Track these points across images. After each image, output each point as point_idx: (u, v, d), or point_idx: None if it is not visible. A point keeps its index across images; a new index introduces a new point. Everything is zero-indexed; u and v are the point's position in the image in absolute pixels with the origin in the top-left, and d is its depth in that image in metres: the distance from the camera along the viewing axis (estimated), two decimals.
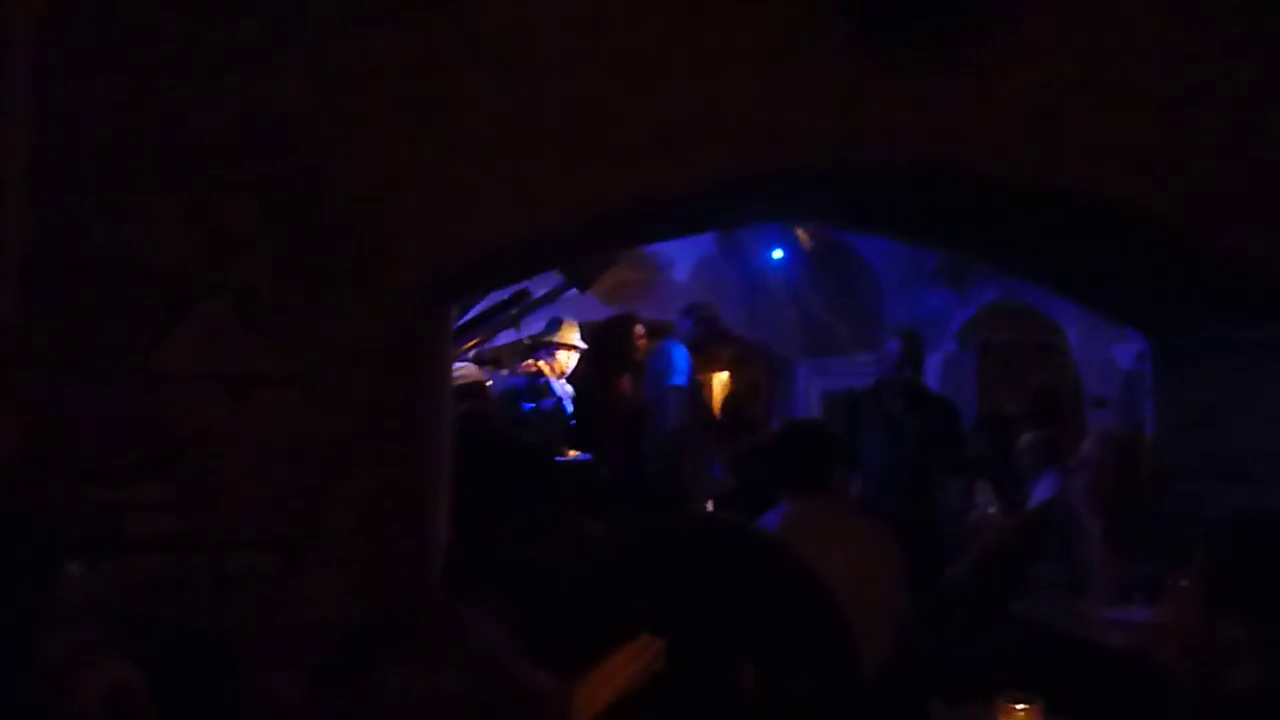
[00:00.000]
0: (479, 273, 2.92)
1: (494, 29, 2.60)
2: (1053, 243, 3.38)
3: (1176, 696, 2.05)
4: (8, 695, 1.62)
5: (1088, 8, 2.78)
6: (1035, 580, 3.53)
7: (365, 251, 2.55)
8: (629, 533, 2.60)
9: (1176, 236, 2.94)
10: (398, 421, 2.59)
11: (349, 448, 2.52)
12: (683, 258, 7.36)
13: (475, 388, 5.01)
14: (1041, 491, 4.45)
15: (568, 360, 5.45)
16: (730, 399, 7.72)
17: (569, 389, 5.43)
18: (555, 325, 5.51)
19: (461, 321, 4.93)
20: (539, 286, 5.62)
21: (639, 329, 5.57)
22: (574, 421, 5.30)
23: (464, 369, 5.05)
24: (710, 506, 5.01)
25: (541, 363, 5.40)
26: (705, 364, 6.66)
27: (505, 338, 6.24)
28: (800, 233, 6.86)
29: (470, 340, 5.56)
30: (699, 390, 5.90)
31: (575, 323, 5.59)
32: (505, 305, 5.38)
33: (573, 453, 5.00)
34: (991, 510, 4.64)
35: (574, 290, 5.88)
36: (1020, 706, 1.99)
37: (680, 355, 5.50)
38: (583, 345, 5.51)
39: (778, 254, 7.31)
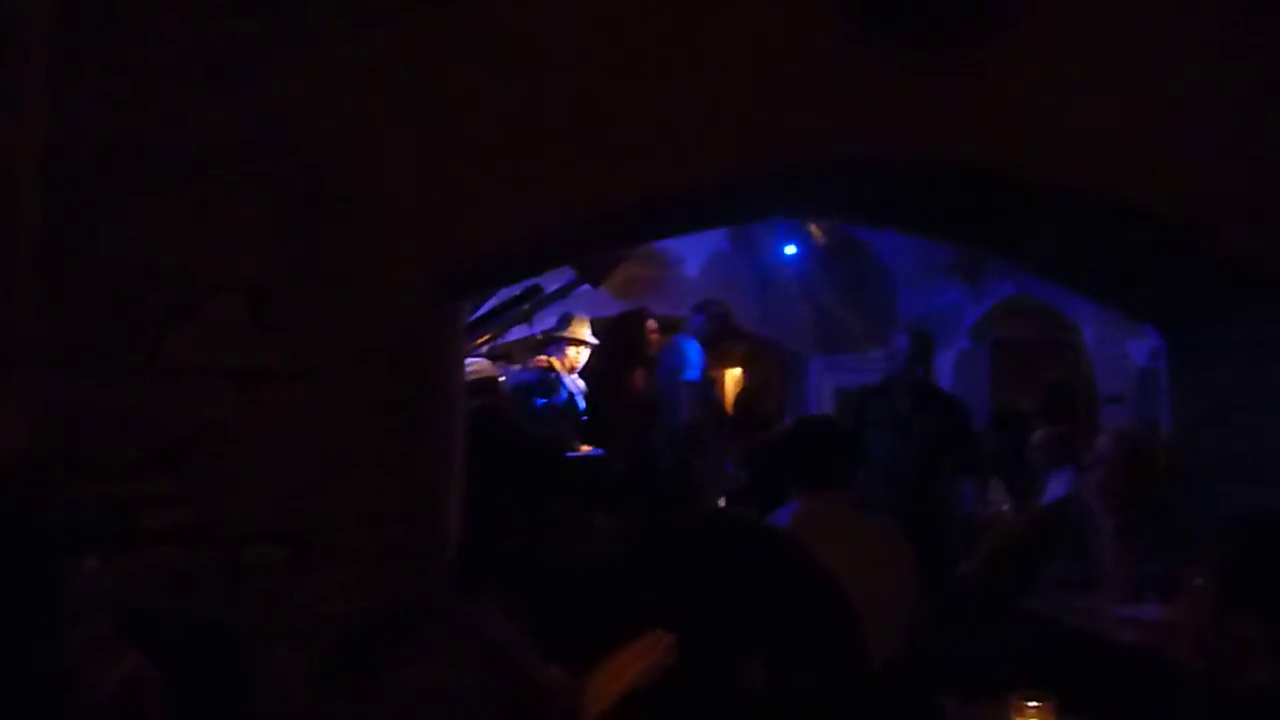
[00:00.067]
0: (484, 270, 2.92)
1: (496, 28, 2.61)
2: (1062, 239, 3.37)
3: (1188, 694, 2.05)
4: (25, 689, 1.63)
5: (1089, 7, 2.77)
6: (1047, 577, 3.52)
7: (371, 249, 2.56)
8: (640, 528, 2.61)
9: (1177, 235, 2.93)
10: (406, 417, 2.60)
11: (357, 443, 2.53)
12: (694, 253, 7.34)
13: (488, 383, 5.02)
14: (1054, 488, 4.43)
15: (578, 355, 5.45)
16: (742, 395, 7.71)
17: (581, 384, 5.44)
18: (566, 321, 5.51)
19: (474, 317, 4.94)
20: (551, 282, 5.62)
21: (651, 324, 5.57)
22: (586, 417, 5.31)
23: (477, 364, 5.06)
24: (722, 502, 5.00)
25: (552, 358, 5.40)
26: (717, 360, 6.66)
27: (517, 333, 6.25)
28: (813, 228, 6.84)
29: (483, 336, 5.57)
30: (711, 386, 5.90)
31: (586, 318, 5.59)
32: (517, 301, 5.38)
33: (585, 448, 5.01)
34: (1004, 507, 4.62)
35: (586, 286, 5.88)
36: (1033, 704, 1.98)
37: (693, 350, 5.50)
38: (594, 340, 5.51)
39: (790, 249, 7.28)
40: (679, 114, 2.63)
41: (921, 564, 2.99)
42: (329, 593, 2.45)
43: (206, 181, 2.52)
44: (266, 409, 2.51)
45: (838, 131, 2.69)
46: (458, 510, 2.89)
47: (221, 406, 2.49)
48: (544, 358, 5.42)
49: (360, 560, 2.49)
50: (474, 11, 2.61)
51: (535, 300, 5.56)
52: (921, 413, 4.94)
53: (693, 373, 5.41)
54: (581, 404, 5.34)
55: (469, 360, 4.71)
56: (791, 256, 7.36)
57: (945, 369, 7.23)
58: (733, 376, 8.44)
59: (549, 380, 5.24)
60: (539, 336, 5.69)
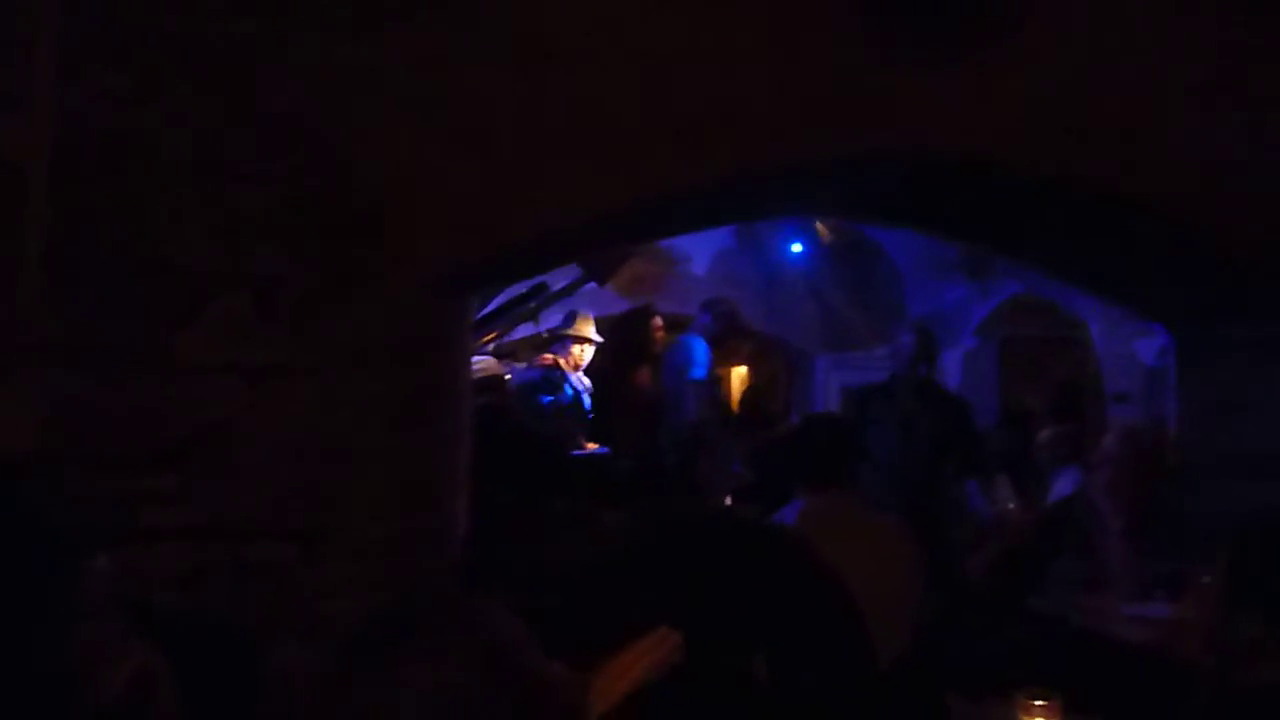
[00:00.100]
0: (493, 267, 2.93)
1: (505, 27, 2.61)
2: (1069, 237, 3.36)
3: (1197, 693, 2.04)
4: (35, 686, 1.64)
5: (1093, 5, 2.77)
6: (1054, 576, 3.50)
7: (377, 246, 2.56)
8: (646, 526, 2.60)
9: (1187, 232, 2.92)
10: (412, 414, 2.60)
11: (363, 440, 2.53)
12: (700, 251, 7.33)
13: (494, 381, 5.03)
14: (1061, 487, 4.42)
15: (582, 353, 5.45)
16: (749, 393, 7.71)
17: (586, 382, 5.44)
18: (571, 318, 5.51)
19: (480, 315, 4.95)
20: (557, 280, 5.63)
21: (657, 321, 5.57)
22: (592, 414, 5.31)
23: (483, 362, 5.07)
24: (727, 501, 5.00)
25: (557, 356, 5.40)
26: (724, 358, 6.65)
27: (523, 331, 6.25)
28: (819, 226, 6.83)
29: (489, 333, 5.57)
30: (718, 384, 5.90)
31: (591, 316, 5.59)
32: (523, 299, 5.38)
33: (590, 446, 5.01)
34: (1011, 506, 4.61)
35: (592, 283, 5.88)
36: (1040, 702, 1.98)
37: (700, 349, 5.50)
38: (598, 338, 5.51)
39: (796, 248, 7.28)
40: (686, 111, 2.62)
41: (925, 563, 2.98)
42: (335, 590, 2.46)
43: (213, 179, 2.53)
44: (273, 406, 2.51)
45: (843, 128, 2.69)
46: (463, 507, 2.89)
47: (228, 403, 2.50)
48: (549, 355, 5.42)
49: (366, 557, 2.50)
50: (485, 10, 2.61)
51: (541, 298, 5.56)
52: (925, 412, 4.92)
53: (699, 371, 5.41)
54: (587, 402, 5.34)
55: (475, 358, 4.71)
56: (798, 254, 7.35)
57: (952, 367, 7.22)
58: (739, 375, 8.44)
59: (554, 378, 5.24)
60: (545, 334, 5.69)
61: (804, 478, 3.05)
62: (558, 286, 5.72)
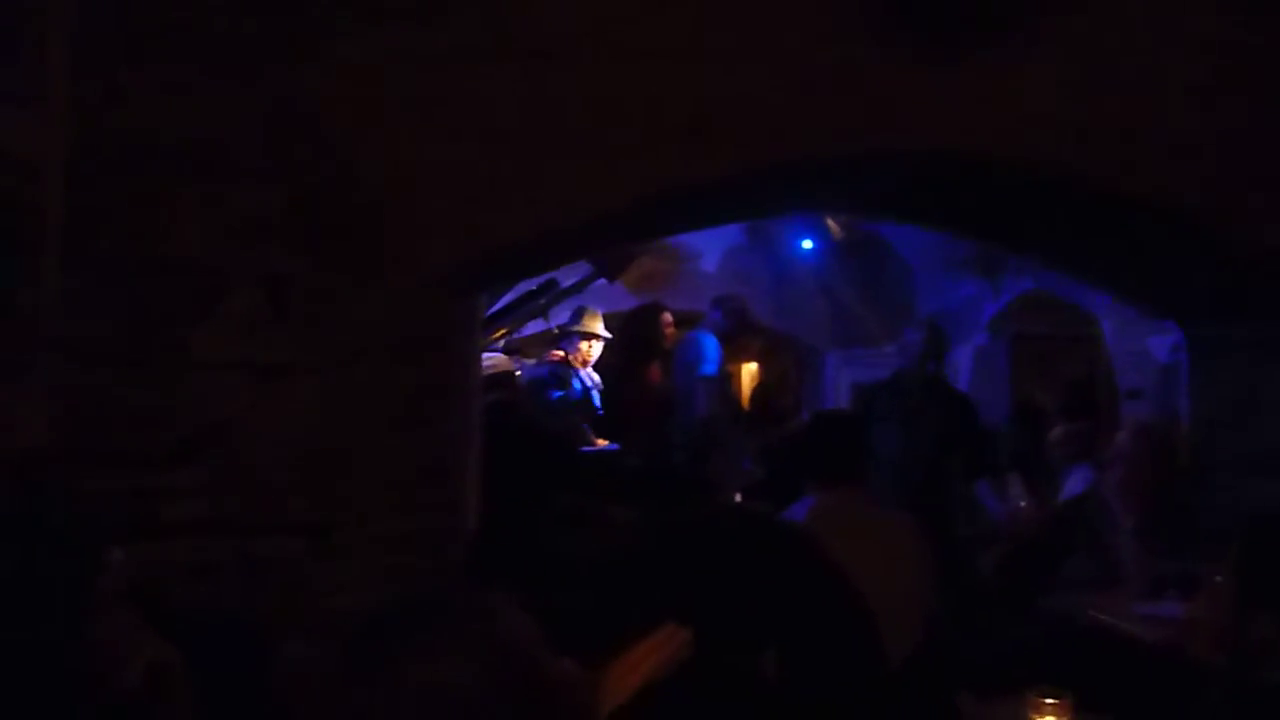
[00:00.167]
0: (497, 266, 2.93)
1: (523, 23, 2.61)
2: (1079, 235, 3.35)
3: (1208, 692, 2.03)
4: (53, 678, 1.65)
5: (1098, 2, 2.75)
6: (1066, 574, 3.49)
7: (388, 244, 2.57)
8: (655, 522, 2.60)
9: (1206, 228, 2.91)
10: (422, 410, 2.61)
11: (373, 436, 2.54)
12: (711, 248, 7.32)
13: (504, 377, 5.03)
14: (1073, 485, 4.40)
15: (590, 349, 5.45)
16: (759, 390, 7.70)
17: (596, 378, 5.44)
18: (579, 315, 5.51)
19: (490, 312, 4.95)
20: (567, 276, 5.63)
21: (667, 318, 5.57)
22: (602, 410, 5.31)
23: (494, 359, 5.08)
24: (738, 497, 5.00)
25: (565, 352, 5.41)
26: (734, 355, 6.64)
27: (534, 327, 6.26)
28: (830, 223, 6.82)
29: (499, 330, 5.58)
30: (728, 381, 5.89)
31: (599, 312, 5.59)
32: (533, 295, 5.39)
33: (600, 442, 5.02)
34: (1022, 504, 4.59)
35: (602, 280, 5.88)
36: (1051, 701, 1.97)
37: (710, 345, 5.50)
38: (606, 334, 5.51)
39: (807, 244, 7.26)
40: (687, 111, 2.63)
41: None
42: (343, 585, 2.47)
43: (227, 176, 2.54)
44: (285, 402, 2.53)
45: (844, 128, 2.68)
46: (473, 503, 2.90)
47: (239, 400, 2.51)
48: (559, 352, 5.42)
49: (374, 553, 2.51)
50: (499, 7, 2.62)
51: (551, 295, 5.56)
52: (931, 409, 4.89)
53: (709, 367, 5.41)
54: (596, 398, 5.34)
55: (486, 355, 4.72)
56: (808, 251, 7.33)
57: (963, 364, 7.19)
58: (749, 371, 8.44)
59: (562, 374, 5.24)
60: (554, 331, 5.69)
61: (814, 475, 3.04)
62: (568, 283, 5.73)
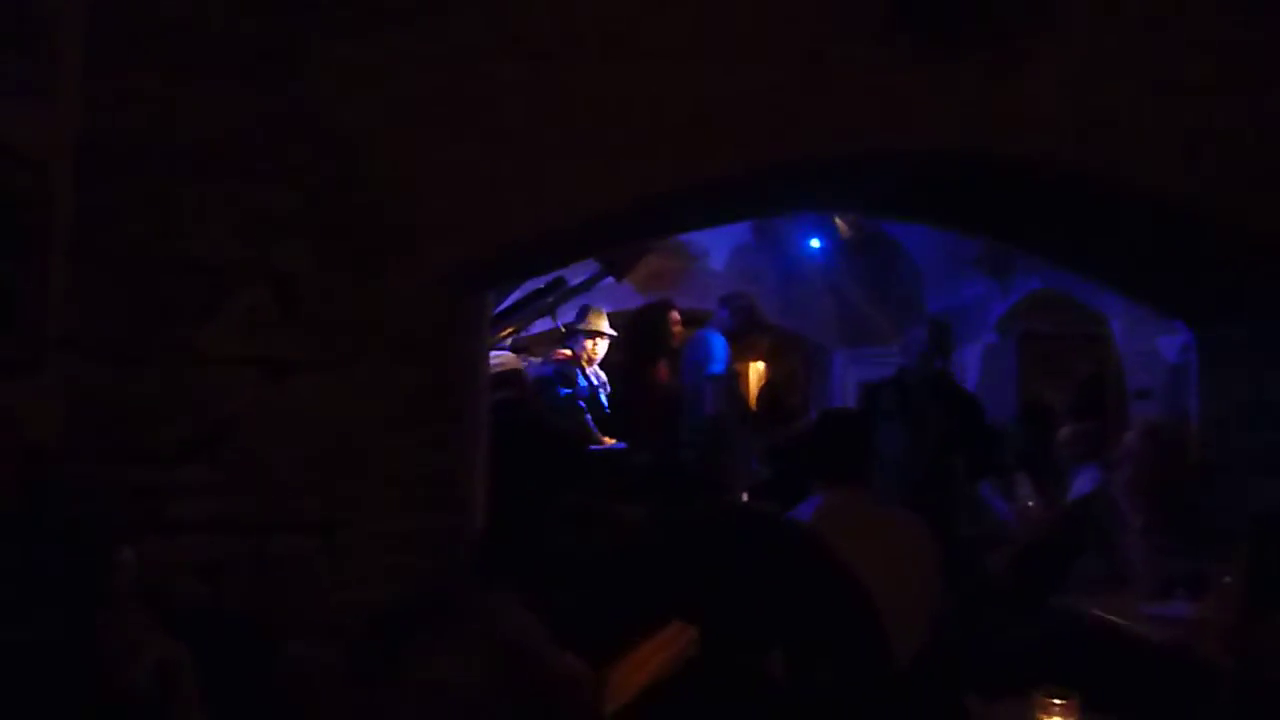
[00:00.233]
0: (502, 265, 2.94)
1: (525, 22, 2.62)
2: (1087, 233, 3.34)
3: (1217, 692, 2.02)
4: (65, 674, 1.66)
5: (1101, 2, 2.74)
6: (1075, 574, 3.48)
7: (395, 241, 2.58)
8: (663, 521, 2.60)
9: (1215, 225, 2.90)
10: (431, 407, 2.61)
11: (384, 433, 2.55)
12: (718, 247, 7.31)
13: (512, 375, 5.03)
14: (1081, 484, 4.39)
15: (595, 347, 5.45)
16: (767, 388, 7.69)
17: (602, 376, 5.44)
18: (584, 313, 5.51)
19: (498, 310, 4.96)
20: (575, 275, 5.63)
21: (675, 316, 5.56)
22: (609, 409, 5.31)
23: (502, 357, 5.08)
24: (745, 496, 5.00)
25: (570, 351, 5.41)
26: (741, 353, 6.63)
27: (540, 326, 6.26)
28: (838, 222, 6.80)
29: (507, 328, 5.59)
30: (736, 380, 5.88)
31: (604, 310, 5.59)
32: (541, 294, 5.39)
33: (608, 440, 5.02)
34: (1031, 504, 4.57)
35: (610, 279, 5.88)
36: (1058, 701, 1.97)
37: (719, 344, 5.49)
38: (611, 332, 5.51)
39: (815, 243, 7.25)
40: (690, 110, 2.63)
41: None
42: (351, 583, 2.47)
43: (235, 174, 2.55)
44: (294, 399, 2.53)
45: (871, 120, 2.68)
46: (480, 502, 2.90)
47: (250, 396, 2.52)
48: (565, 351, 5.43)
49: (383, 551, 2.51)
50: (505, 6, 2.62)
51: (559, 293, 5.56)
52: (936, 408, 4.86)
53: (717, 366, 5.40)
54: (603, 396, 5.34)
55: (494, 353, 4.73)
56: (816, 250, 7.32)
57: (972, 363, 7.17)
58: (756, 370, 8.43)
59: (568, 372, 5.25)
60: (562, 329, 5.70)
61: (821, 474, 3.04)
62: (575, 281, 5.73)
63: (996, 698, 2.39)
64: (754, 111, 2.64)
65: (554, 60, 2.62)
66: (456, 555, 2.61)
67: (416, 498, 2.57)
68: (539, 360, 5.69)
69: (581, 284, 5.81)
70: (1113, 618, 3.02)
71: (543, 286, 5.33)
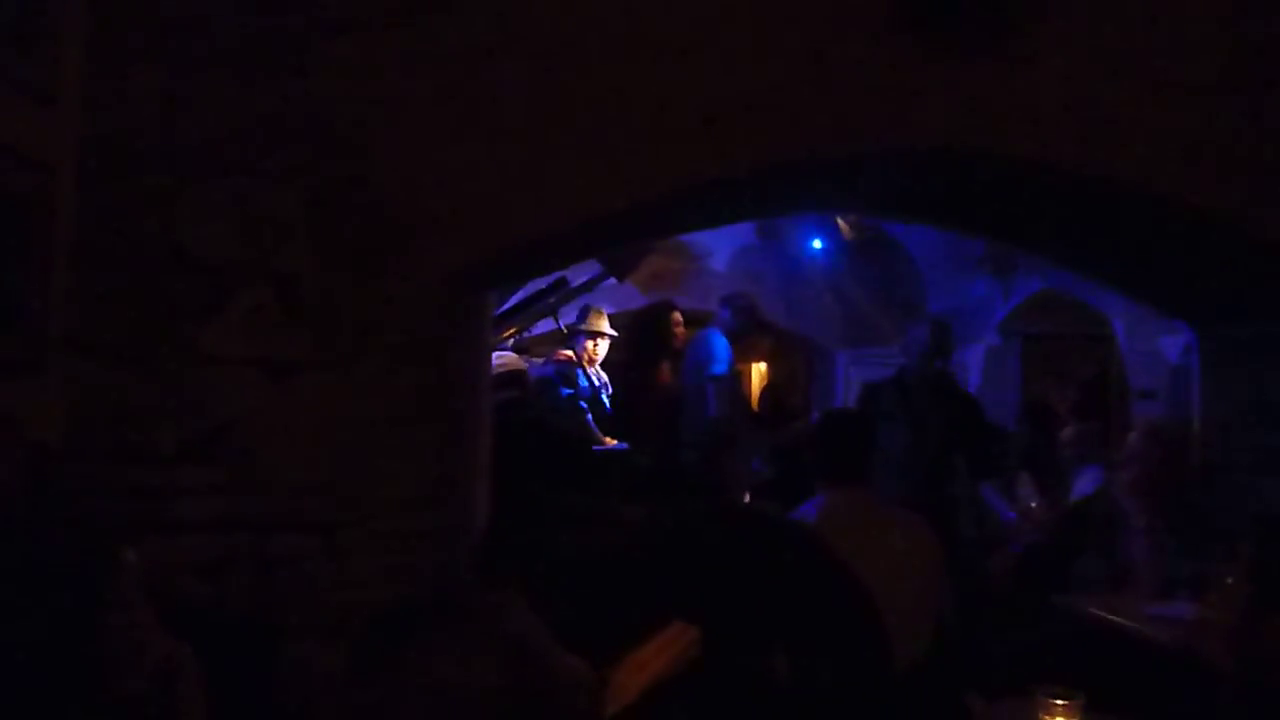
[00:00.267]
0: (504, 265, 2.93)
1: (526, 22, 2.62)
2: (1091, 234, 3.33)
3: (1219, 693, 2.02)
4: (65, 673, 1.66)
5: (1103, 1, 2.74)
6: (1077, 575, 3.48)
7: (393, 244, 2.58)
8: (665, 521, 2.60)
9: (1217, 224, 2.89)
10: (432, 409, 2.61)
11: (386, 433, 2.55)
12: (721, 247, 7.31)
13: (515, 375, 5.03)
14: (1083, 485, 4.39)
15: (596, 348, 5.44)
16: (769, 389, 7.69)
17: (604, 376, 5.44)
18: (585, 314, 5.51)
19: (501, 310, 4.96)
20: (577, 275, 5.63)
21: (677, 316, 5.56)
22: (610, 409, 5.31)
23: (505, 357, 5.08)
24: (747, 497, 5.00)
25: (571, 351, 5.40)
26: (744, 354, 6.63)
27: (543, 327, 6.26)
28: (840, 222, 6.80)
29: (509, 329, 5.59)
30: (738, 380, 5.87)
31: (605, 310, 5.59)
32: (543, 294, 5.39)
33: (610, 441, 5.02)
34: (1033, 504, 4.57)
35: (612, 279, 5.88)
36: (1061, 701, 1.97)
37: (721, 344, 5.49)
38: (612, 332, 5.51)
39: (817, 244, 7.24)
40: (694, 110, 2.62)
41: None
42: (355, 582, 2.47)
43: (247, 172, 2.55)
44: (296, 399, 2.53)
45: (877, 118, 2.68)
46: (482, 501, 2.90)
47: (252, 396, 2.52)
48: (566, 352, 5.43)
49: (385, 551, 2.51)
50: (511, 4, 2.62)
51: (561, 293, 5.56)
52: (937, 408, 4.85)
53: (719, 367, 5.40)
54: (604, 397, 5.34)
55: (497, 353, 4.73)
56: (819, 250, 7.32)
57: (974, 364, 7.17)
58: (759, 371, 8.43)
59: (569, 373, 5.25)
60: (565, 330, 5.70)
61: (824, 474, 3.04)
62: (578, 282, 5.72)
63: (998, 698, 2.39)
64: (755, 111, 2.64)
65: (555, 60, 2.62)
66: (458, 555, 2.61)
67: (418, 498, 2.57)
68: (540, 361, 5.69)
69: (584, 284, 5.81)
70: (1115, 618, 3.02)
71: (545, 287, 5.32)
